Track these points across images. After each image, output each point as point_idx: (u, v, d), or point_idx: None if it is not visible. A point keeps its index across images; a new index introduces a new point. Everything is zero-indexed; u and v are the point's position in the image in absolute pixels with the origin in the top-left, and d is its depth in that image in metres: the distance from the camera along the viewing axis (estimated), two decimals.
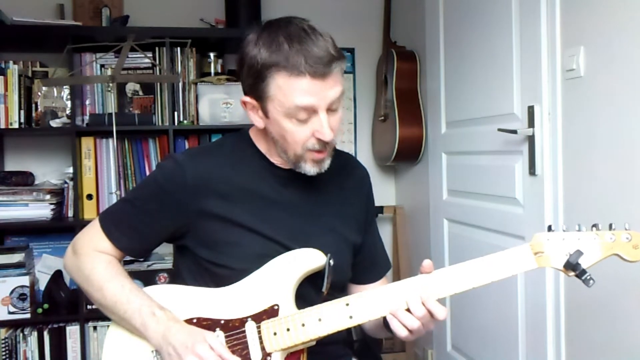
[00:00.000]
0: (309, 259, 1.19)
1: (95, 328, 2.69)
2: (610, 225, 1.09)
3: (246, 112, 1.24)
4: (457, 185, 2.48)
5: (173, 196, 1.23)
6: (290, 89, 1.12)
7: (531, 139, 1.89)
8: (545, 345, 1.88)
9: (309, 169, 1.21)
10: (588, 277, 1.06)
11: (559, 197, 1.80)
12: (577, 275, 1.07)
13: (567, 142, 1.78)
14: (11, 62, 2.69)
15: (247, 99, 1.21)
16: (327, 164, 1.23)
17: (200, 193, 1.22)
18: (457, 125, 2.48)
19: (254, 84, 1.16)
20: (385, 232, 3.29)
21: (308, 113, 1.14)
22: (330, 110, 1.16)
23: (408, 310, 1.09)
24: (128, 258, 1.55)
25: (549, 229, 1.11)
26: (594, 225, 1.10)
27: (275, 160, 1.27)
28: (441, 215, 2.60)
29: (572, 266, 1.07)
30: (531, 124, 1.88)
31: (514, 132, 1.91)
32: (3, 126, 2.65)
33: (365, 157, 3.31)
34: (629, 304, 1.57)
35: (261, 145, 1.29)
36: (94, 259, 1.27)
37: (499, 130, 1.99)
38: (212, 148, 1.37)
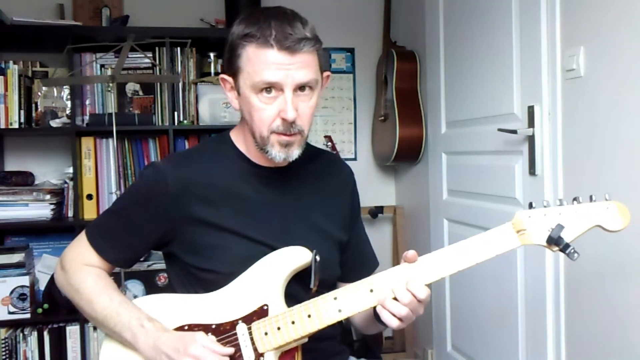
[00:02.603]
0: (295, 257, 1.19)
1: (95, 328, 2.69)
2: (591, 197, 1.09)
3: (225, 91, 1.25)
4: (457, 185, 2.48)
5: (156, 204, 1.23)
6: (257, 60, 1.13)
7: (531, 139, 1.89)
8: (545, 344, 1.88)
9: (276, 153, 1.19)
10: (572, 251, 1.05)
11: (559, 197, 1.80)
12: (561, 250, 1.06)
13: (567, 142, 1.78)
14: (11, 62, 2.69)
15: (225, 76, 1.23)
16: (295, 152, 1.20)
17: (182, 199, 1.22)
18: (457, 125, 2.48)
19: (229, 59, 1.19)
20: (385, 232, 3.29)
21: (275, 90, 1.15)
22: (299, 91, 1.16)
23: (395, 298, 1.09)
24: None
25: (530, 206, 1.10)
26: (575, 199, 1.09)
27: (255, 158, 1.27)
28: (441, 215, 2.60)
29: (554, 240, 1.06)
30: (531, 124, 1.88)
31: (514, 132, 1.91)
32: (3, 126, 2.66)
33: (365, 157, 3.31)
34: (631, 300, 1.57)
35: (241, 145, 1.29)
36: (82, 273, 1.27)
37: (499, 130, 1.99)
38: (193, 153, 1.37)
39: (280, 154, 1.19)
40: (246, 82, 1.16)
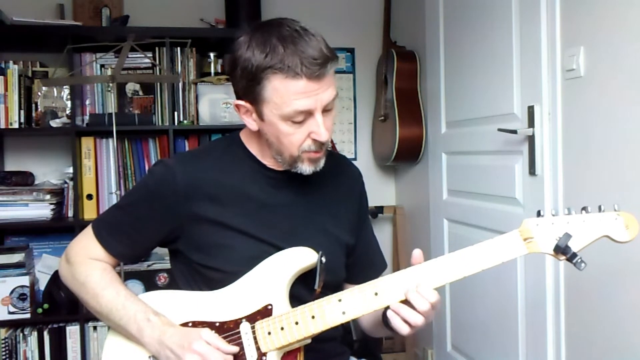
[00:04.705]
0: (300, 257, 1.19)
1: (95, 328, 2.70)
2: (600, 207, 1.07)
3: (239, 115, 1.23)
4: (457, 185, 2.48)
5: (164, 201, 1.23)
6: (286, 92, 1.12)
7: (531, 139, 1.89)
8: (545, 345, 1.88)
9: (306, 168, 1.21)
10: (579, 260, 1.04)
11: (559, 197, 1.80)
12: (568, 259, 1.06)
13: (567, 142, 1.78)
14: (11, 62, 2.69)
15: (241, 102, 1.20)
16: (322, 162, 1.23)
17: (191, 197, 1.22)
18: (457, 125, 2.48)
19: (248, 87, 1.16)
20: (385, 232, 3.29)
21: (304, 115, 1.15)
22: (325, 110, 1.17)
23: (406, 303, 1.08)
24: None
25: (538, 214, 1.09)
26: (583, 208, 1.08)
27: (267, 162, 1.27)
28: (441, 215, 2.60)
29: (561, 249, 1.05)
30: (531, 124, 1.88)
31: (514, 132, 1.91)
32: (3, 126, 2.65)
33: (365, 157, 3.31)
34: (631, 301, 1.57)
35: (253, 147, 1.29)
36: (88, 267, 1.27)
37: (499, 130, 1.99)
38: (202, 151, 1.38)
39: (310, 168, 1.22)
40: (273, 111, 1.15)
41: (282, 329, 1.14)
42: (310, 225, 1.28)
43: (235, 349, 1.15)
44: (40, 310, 2.62)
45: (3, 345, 2.60)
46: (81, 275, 1.27)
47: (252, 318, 1.17)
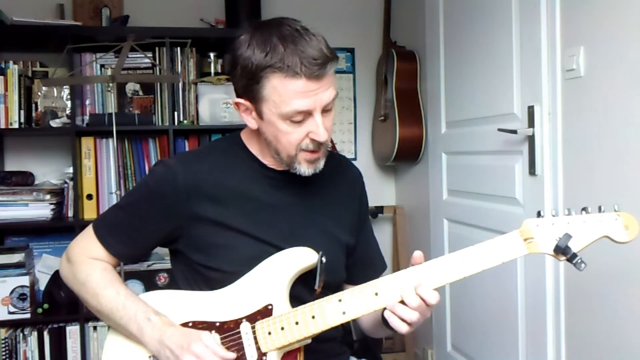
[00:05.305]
0: (301, 257, 1.19)
1: (95, 328, 2.70)
2: (600, 208, 1.08)
3: (239, 114, 1.24)
4: (457, 185, 2.49)
5: (164, 201, 1.23)
6: (285, 91, 1.12)
7: (531, 139, 1.89)
8: (545, 345, 1.88)
9: (304, 169, 1.21)
10: (579, 261, 1.04)
11: (559, 197, 1.81)
12: (568, 260, 1.06)
13: (567, 142, 1.79)
14: (11, 62, 2.69)
15: (241, 100, 1.20)
16: (321, 163, 1.23)
17: (191, 197, 1.22)
18: (457, 125, 2.48)
19: (248, 86, 1.16)
20: (385, 232, 3.29)
21: (303, 115, 1.15)
22: (324, 110, 1.17)
23: (403, 302, 1.09)
24: None
25: (538, 214, 1.09)
26: (584, 209, 1.08)
27: (268, 162, 1.28)
28: (441, 215, 2.60)
29: (561, 250, 1.06)
30: (531, 124, 1.88)
31: (514, 132, 1.92)
32: (3, 126, 2.66)
33: (365, 157, 3.31)
34: (631, 301, 1.57)
35: (253, 147, 1.29)
36: (88, 267, 1.27)
37: (499, 130, 1.99)
38: (203, 151, 1.38)
39: (309, 169, 1.22)
40: (272, 110, 1.15)
41: (282, 329, 1.14)
42: (310, 225, 1.28)
43: (233, 355, 1.15)
44: (40, 310, 2.62)
45: (3, 345, 2.60)
46: (82, 275, 1.27)
47: (253, 318, 1.17)
